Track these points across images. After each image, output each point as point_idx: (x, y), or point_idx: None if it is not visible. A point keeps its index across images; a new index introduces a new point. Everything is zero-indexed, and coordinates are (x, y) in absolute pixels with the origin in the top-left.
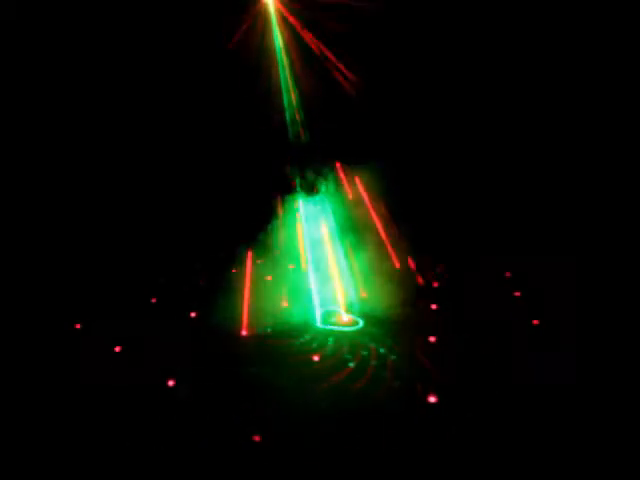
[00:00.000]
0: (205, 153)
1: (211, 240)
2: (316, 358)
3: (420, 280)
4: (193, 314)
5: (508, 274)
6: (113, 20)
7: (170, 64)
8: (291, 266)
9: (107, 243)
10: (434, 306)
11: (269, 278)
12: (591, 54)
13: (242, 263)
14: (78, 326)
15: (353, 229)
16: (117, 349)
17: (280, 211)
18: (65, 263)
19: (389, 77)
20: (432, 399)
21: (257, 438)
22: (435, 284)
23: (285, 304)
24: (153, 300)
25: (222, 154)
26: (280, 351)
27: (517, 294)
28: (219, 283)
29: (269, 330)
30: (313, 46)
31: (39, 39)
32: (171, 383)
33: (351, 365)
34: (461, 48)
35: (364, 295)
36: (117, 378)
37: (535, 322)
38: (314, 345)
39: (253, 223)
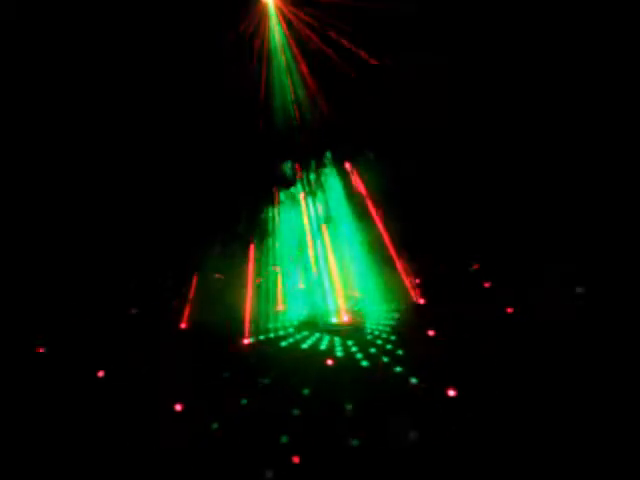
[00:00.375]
0: (202, 150)
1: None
2: (330, 362)
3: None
4: (183, 325)
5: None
6: (113, 20)
7: (170, 63)
8: (275, 268)
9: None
10: (422, 300)
11: (257, 281)
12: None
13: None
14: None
15: (352, 228)
16: (100, 374)
17: (278, 207)
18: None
19: (392, 75)
20: (452, 392)
21: (296, 460)
22: (417, 281)
23: (282, 307)
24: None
25: (220, 152)
26: (291, 357)
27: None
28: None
29: (272, 336)
30: (314, 42)
31: (39, 39)
32: (179, 407)
33: (365, 364)
34: (463, 51)
35: (362, 294)
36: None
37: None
38: (322, 348)
39: (250, 222)
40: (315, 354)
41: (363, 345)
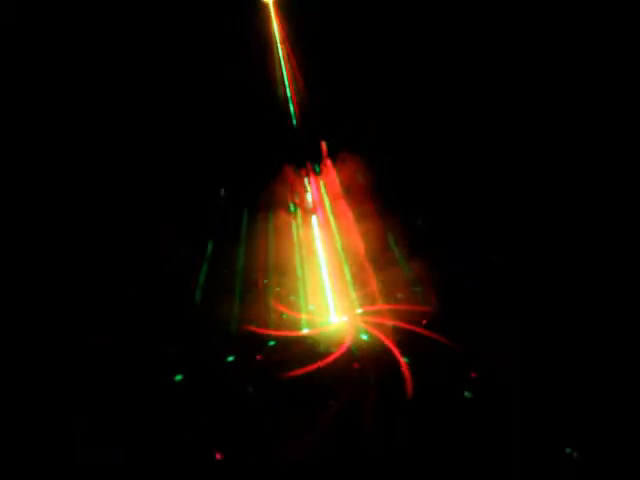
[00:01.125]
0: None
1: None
2: (356, 365)
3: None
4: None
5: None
6: (113, 18)
7: (170, 61)
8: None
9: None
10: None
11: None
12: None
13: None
14: None
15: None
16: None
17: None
18: None
19: (391, 70)
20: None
21: None
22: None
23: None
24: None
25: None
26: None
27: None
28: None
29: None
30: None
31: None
32: (218, 456)
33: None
34: (461, 45)
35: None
36: None
37: None
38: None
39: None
40: (334, 358)
41: (373, 341)
